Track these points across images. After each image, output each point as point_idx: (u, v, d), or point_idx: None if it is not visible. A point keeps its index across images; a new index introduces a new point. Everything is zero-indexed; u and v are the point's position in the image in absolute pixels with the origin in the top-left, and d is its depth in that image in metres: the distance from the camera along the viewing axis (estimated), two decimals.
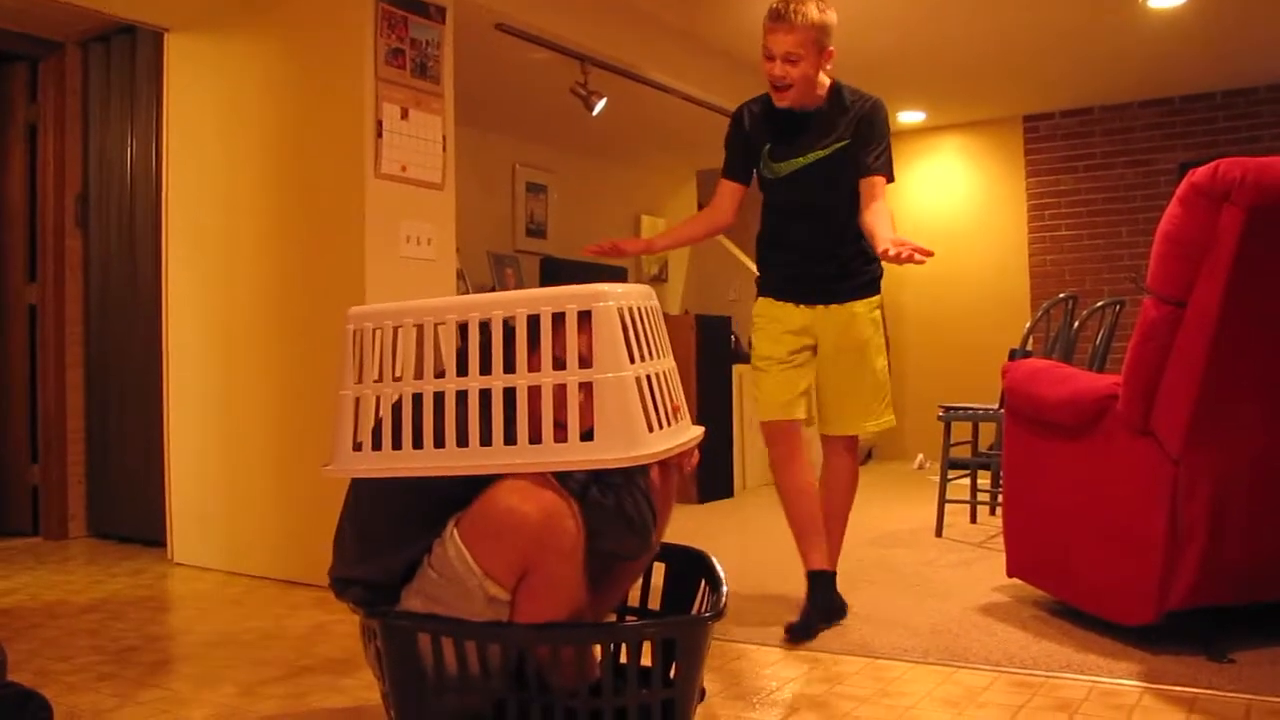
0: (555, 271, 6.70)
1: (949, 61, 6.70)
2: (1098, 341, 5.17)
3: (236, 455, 4.37)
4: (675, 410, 2.13)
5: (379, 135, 3.96)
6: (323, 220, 4.09)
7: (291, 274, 4.19)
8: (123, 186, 5.11)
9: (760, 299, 3.44)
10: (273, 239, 4.27)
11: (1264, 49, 6.55)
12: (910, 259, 2.77)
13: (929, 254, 2.77)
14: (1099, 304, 5.24)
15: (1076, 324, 5.11)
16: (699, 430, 2.25)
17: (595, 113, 5.30)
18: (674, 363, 2.20)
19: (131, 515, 5.02)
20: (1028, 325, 5.25)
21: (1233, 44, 6.42)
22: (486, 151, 6.62)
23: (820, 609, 3.23)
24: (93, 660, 3.02)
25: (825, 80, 3.28)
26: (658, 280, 8.23)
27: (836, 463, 3.43)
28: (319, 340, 4.06)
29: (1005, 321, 7.73)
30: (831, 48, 3.20)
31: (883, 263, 3.15)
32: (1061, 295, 5.17)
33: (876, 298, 3.36)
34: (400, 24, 4.04)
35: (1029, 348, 4.97)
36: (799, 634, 3.10)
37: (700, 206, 8.85)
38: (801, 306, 3.34)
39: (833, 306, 3.30)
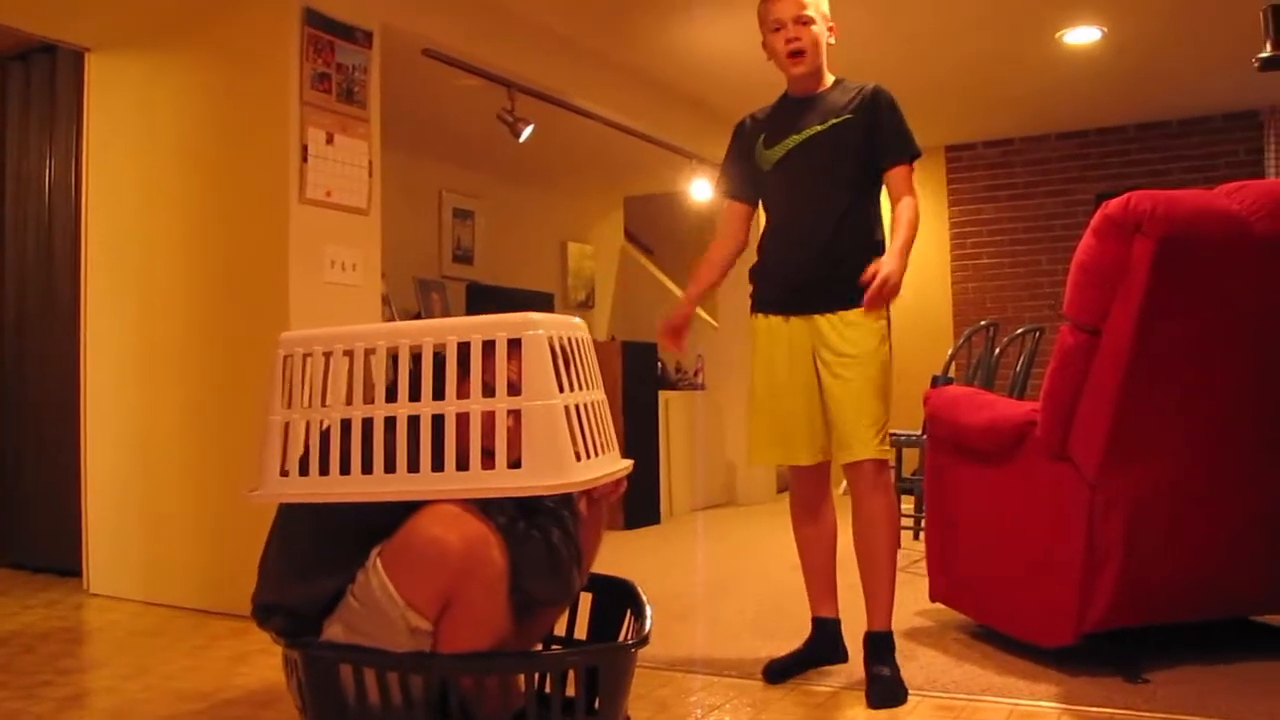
0: (482, 297, 6.69)
1: None
2: (1018, 368, 5.26)
3: (155, 482, 4.29)
4: (604, 442, 2.13)
5: (304, 160, 3.93)
6: (246, 244, 4.04)
7: (215, 298, 4.14)
8: (40, 207, 5.01)
9: (753, 316, 3.13)
10: (195, 263, 4.21)
11: (1174, 85, 6.74)
12: (873, 304, 2.77)
13: (878, 305, 2.79)
14: (1019, 331, 5.34)
15: (997, 351, 5.20)
16: (627, 463, 2.25)
17: (522, 139, 5.30)
18: (604, 395, 2.20)
19: (45, 544, 4.89)
20: (950, 352, 5.34)
21: (1145, 80, 6.60)
22: (413, 177, 6.59)
23: (805, 657, 3.08)
24: (1, 696, 2.93)
25: (828, 73, 3.08)
26: (584, 306, 8.24)
27: (858, 498, 2.96)
28: (242, 365, 4.01)
29: (928, 348, 7.84)
30: (832, 22, 3.05)
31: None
32: (983, 322, 5.26)
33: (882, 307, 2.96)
34: (326, 48, 4.02)
35: (951, 374, 5.05)
36: (773, 674, 3.01)
37: (626, 233, 8.91)
38: (795, 319, 3.00)
39: (831, 316, 2.94)
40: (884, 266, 2.79)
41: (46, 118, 5.00)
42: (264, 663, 3.24)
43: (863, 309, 2.85)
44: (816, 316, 2.97)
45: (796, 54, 2.98)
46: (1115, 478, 2.81)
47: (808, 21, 2.96)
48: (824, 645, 3.12)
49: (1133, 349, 2.70)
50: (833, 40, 3.05)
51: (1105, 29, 5.66)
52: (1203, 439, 2.88)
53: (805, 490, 3.12)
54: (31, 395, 5.01)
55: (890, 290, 2.78)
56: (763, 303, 3.11)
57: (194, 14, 4.21)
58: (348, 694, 2.00)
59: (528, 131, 5.30)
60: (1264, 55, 3.78)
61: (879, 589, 2.93)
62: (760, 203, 3.20)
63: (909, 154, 3.00)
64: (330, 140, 4.01)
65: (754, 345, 3.12)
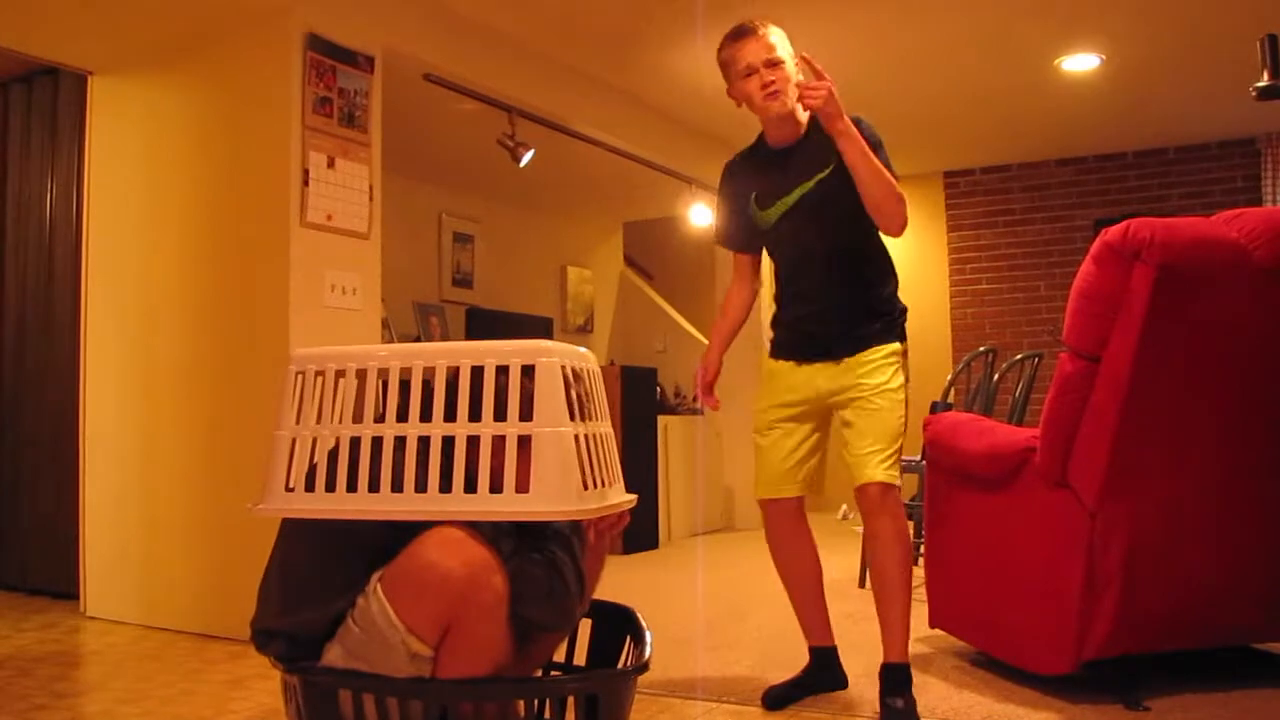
0: (481, 322, 6.69)
1: (872, 117, 6.83)
2: (1017, 394, 5.26)
3: (154, 505, 4.29)
4: (609, 475, 2.12)
5: (305, 184, 3.94)
6: (247, 268, 4.05)
7: (214, 321, 4.14)
8: (41, 229, 5.02)
9: (770, 359, 3.19)
10: (196, 286, 4.21)
11: (1172, 112, 6.78)
12: (810, 96, 2.73)
13: (815, 86, 2.73)
14: (1018, 357, 5.34)
15: (996, 377, 5.20)
16: (631, 497, 2.24)
17: (523, 164, 5.31)
18: (611, 429, 2.19)
19: (42, 566, 4.88)
20: (949, 378, 5.34)
21: (1143, 107, 6.64)
22: (413, 201, 6.61)
23: (804, 684, 3.08)
24: None
25: (802, 114, 3.00)
26: (583, 331, 8.25)
27: (871, 528, 2.94)
28: (242, 388, 4.01)
29: (927, 374, 7.82)
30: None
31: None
32: (982, 348, 5.26)
33: (896, 345, 3.01)
34: (329, 73, 4.04)
35: (950, 400, 5.05)
36: (772, 700, 2.99)
37: (626, 258, 8.91)
38: (804, 366, 3.05)
39: (845, 360, 2.98)
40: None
41: (48, 140, 5.02)
42: (262, 687, 3.23)
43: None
44: (833, 363, 3.00)
45: (772, 95, 2.91)
46: (1115, 505, 2.81)
47: (778, 63, 2.90)
48: (823, 672, 3.12)
49: (1132, 376, 2.70)
50: (801, 78, 2.94)
51: (1104, 56, 5.70)
52: (1203, 466, 2.88)
53: (782, 525, 3.13)
54: (30, 417, 5.01)
55: (819, 92, 2.73)
56: (779, 348, 3.15)
57: (196, 38, 4.23)
58: None
59: (528, 156, 5.31)
60: (1261, 85, 3.81)
61: (893, 619, 2.89)
62: (769, 255, 3.20)
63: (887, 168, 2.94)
64: (331, 164, 4.03)
65: (763, 386, 3.17)
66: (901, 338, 3.05)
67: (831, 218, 2.97)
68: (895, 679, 2.85)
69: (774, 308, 3.19)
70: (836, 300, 3.00)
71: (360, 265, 4.16)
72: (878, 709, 2.81)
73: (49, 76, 4.99)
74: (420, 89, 4.84)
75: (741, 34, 2.95)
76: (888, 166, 2.91)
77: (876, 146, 2.91)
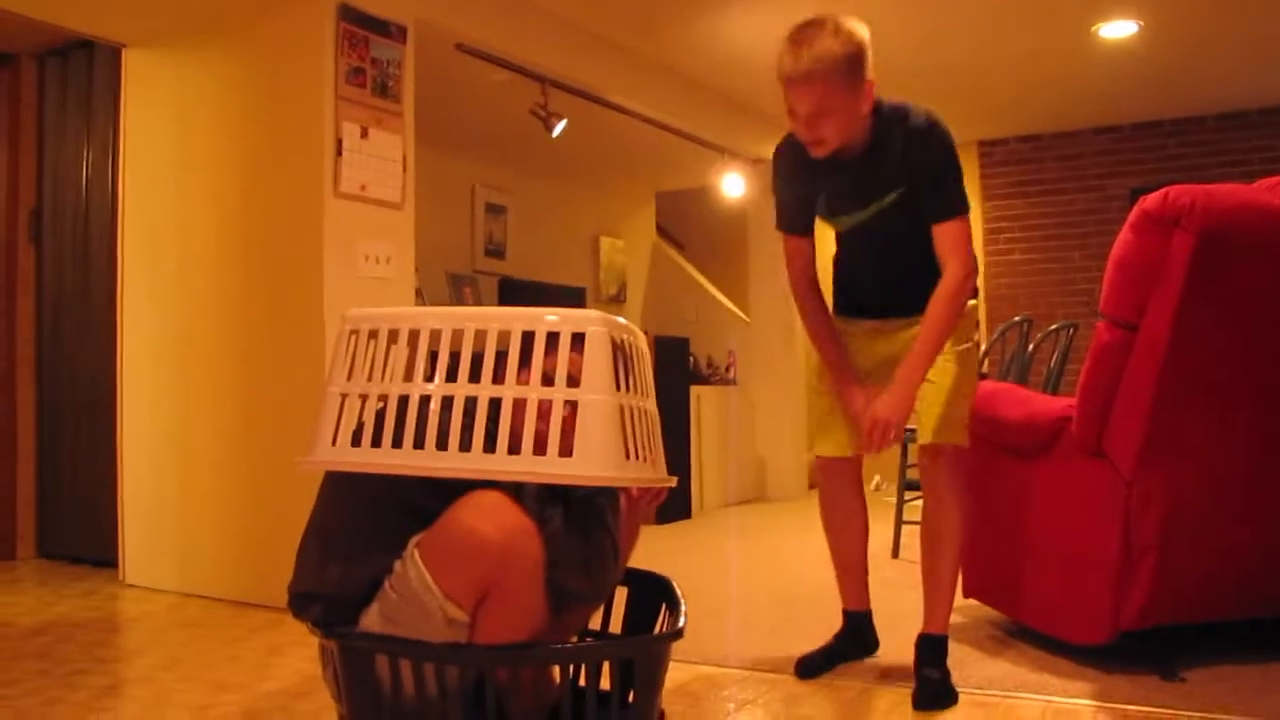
0: (513, 292, 6.71)
1: (904, 87, 6.74)
2: (1052, 364, 5.23)
3: (192, 474, 4.33)
4: (652, 452, 2.11)
5: (339, 154, 3.95)
6: (281, 238, 4.07)
7: (249, 292, 4.17)
8: (78, 202, 5.07)
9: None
10: (230, 257, 4.24)
11: (1211, 80, 6.68)
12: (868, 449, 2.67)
13: (871, 450, 2.67)
14: (1053, 327, 5.30)
15: (1031, 347, 5.16)
16: (672, 478, 2.23)
17: (555, 134, 5.31)
18: (655, 409, 2.18)
19: (83, 535, 4.95)
20: (984, 348, 5.31)
21: (1181, 74, 6.54)
22: (446, 171, 6.61)
23: (837, 651, 3.06)
24: (40, 684, 2.97)
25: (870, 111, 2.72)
26: (616, 301, 8.25)
27: (930, 491, 2.85)
28: (277, 358, 4.04)
29: None
30: (870, 76, 2.61)
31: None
32: (1017, 318, 5.23)
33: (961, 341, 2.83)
34: (361, 43, 4.04)
35: (985, 370, 5.02)
36: (805, 669, 2.98)
37: (658, 228, 8.90)
38: (872, 324, 2.95)
39: (906, 319, 2.85)
40: (878, 407, 2.66)
41: (84, 113, 5.05)
42: (299, 654, 3.27)
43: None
44: (897, 321, 2.90)
45: (816, 145, 2.67)
46: (1151, 474, 2.79)
47: (824, 114, 2.59)
48: (855, 637, 3.12)
49: (1170, 345, 2.68)
50: (869, 105, 2.66)
51: (1142, 22, 5.61)
52: (1240, 436, 2.86)
53: (835, 484, 3.06)
54: (68, 388, 5.07)
55: (885, 435, 2.63)
56: (841, 308, 3.04)
57: (230, 9, 4.23)
58: (383, 684, 2.00)
59: (560, 126, 5.30)
60: None
61: (939, 589, 2.84)
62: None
63: (953, 211, 2.72)
64: (365, 135, 4.03)
65: None
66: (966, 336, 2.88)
67: (898, 231, 2.80)
68: (934, 650, 2.83)
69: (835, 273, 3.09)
70: (898, 287, 2.87)
71: (393, 235, 4.17)
72: (912, 679, 2.81)
73: (84, 50, 5.02)
74: (452, 59, 4.84)
75: (787, 77, 2.59)
76: (952, 189, 2.73)
77: (941, 164, 2.71)
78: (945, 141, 2.73)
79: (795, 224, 2.96)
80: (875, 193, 2.79)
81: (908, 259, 2.82)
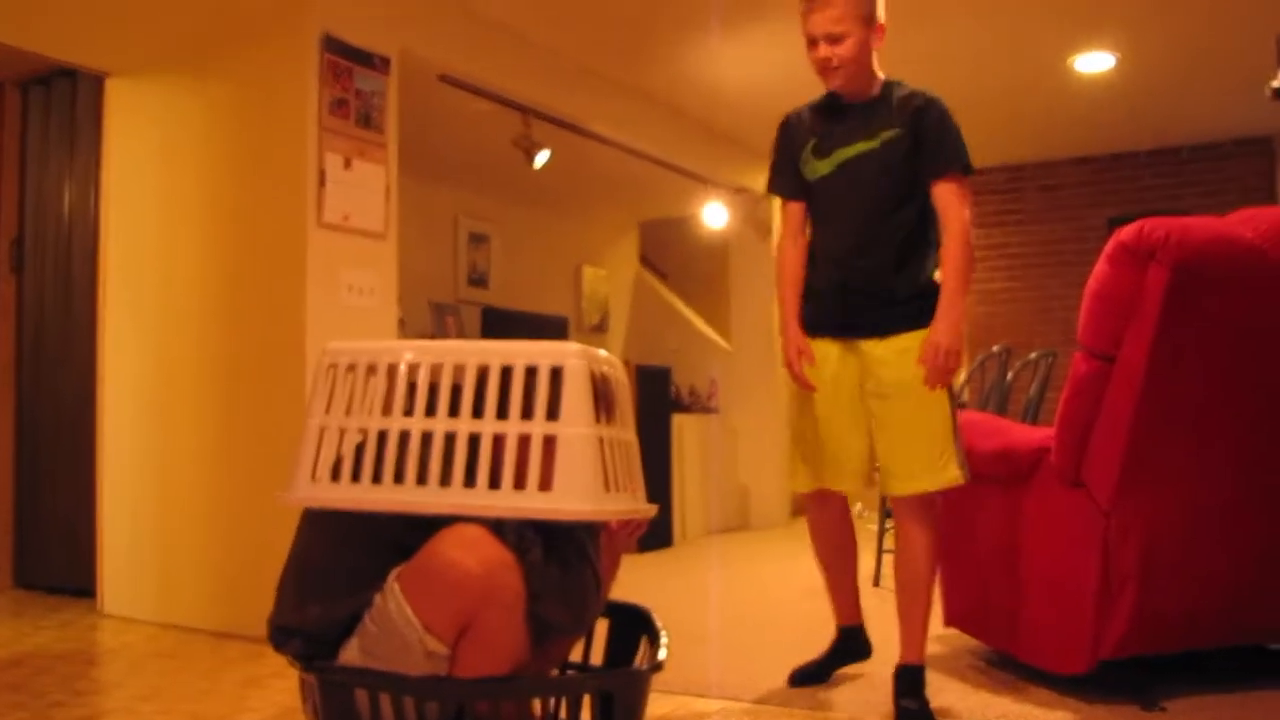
0: (496, 321, 6.71)
1: None
2: (1031, 393, 5.25)
3: (172, 504, 4.31)
4: (631, 483, 2.12)
5: (321, 184, 3.96)
6: (264, 268, 4.07)
7: (231, 321, 4.16)
8: (59, 230, 5.06)
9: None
10: (212, 286, 4.24)
11: (1186, 111, 6.76)
12: (935, 381, 2.75)
13: (941, 381, 2.77)
14: (1032, 356, 5.32)
15: (1011, 376, 5.19)
16: (652, 507, 2.24)
17: (538, 164, 5.33)
18: (635, 439, 2.19)
19: (61, 565, 4.91)
20: (963, 377, 5.33)
21: (1157, 106, 6.62)
22: (430, 201, 6.63)
23: (831, 661, 3.18)
24: (17, 718, 2.94)
25: (879, 73, 2.95)
26: (598, 330, 8.26)
27: (900, 532, 2.95)
28: (258, 388, 4.03)
29: None
30: (882, 20, 2.86)
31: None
32: (995, 348, 5.25)
33: (926, 331, 2.85)
34: (345, 74, 4.05)
35: (965, 399, 5.04)
36: (800, 679, 3.11)
37: (641, 257, 8.92)
38: (839, 342, 2.96)
39: (877, 340, 2.89)
40: (935, 337, 2.77)
41: (67, 141, 5.05)
42: (279, 686, 3.25)
43: (924, 376, 2.81)
44: (864, 342, 2.93)
45: (827, 72, 2.88)
46: (1130, 504, 2.80)
47: (839, 38, 2.80)
48: (849, 646, 3.20)
49: (1147, 376, 2.70)
50: (880, 45, 2.90)
51: (1118, 55, 5.69)
52: (1218, 465, 2.88)
53: (825, 514, 3.11)
54: (47, 418, 5.04)
55: (949, 362, 2.76)
56: (811, 325, 3.02)
57: (213, 39, 4.25)
58: (364, 718, 2.00)
59: (543, 156, 5.33)
60: (1276, 85, 3.79)
61: (912, 622, 2.89)
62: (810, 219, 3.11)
63: (956, 164, 2.87)
64: (348, 165, 4.05)
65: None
66: None
67: (885, 179, 2.89)
68: (910, 680, 2.85)
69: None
70: (868, 267, 2.91)
71: (377, 265, 4.18)
72: (891, 710, 2.82)
73: (67, 78, 5.02)
74: (436, 90, 4.86)
75: (811, 3, 2.83)
76: (954, 144, 2.89)
77: (942, 120, 2.89)
78: (945, 108, 2.91)
79: (786, 185, 3.09)
80: (873, 129, 2.89)
81: (879, 226, 2.90)
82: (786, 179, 3.09)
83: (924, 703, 2.80)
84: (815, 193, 3.03)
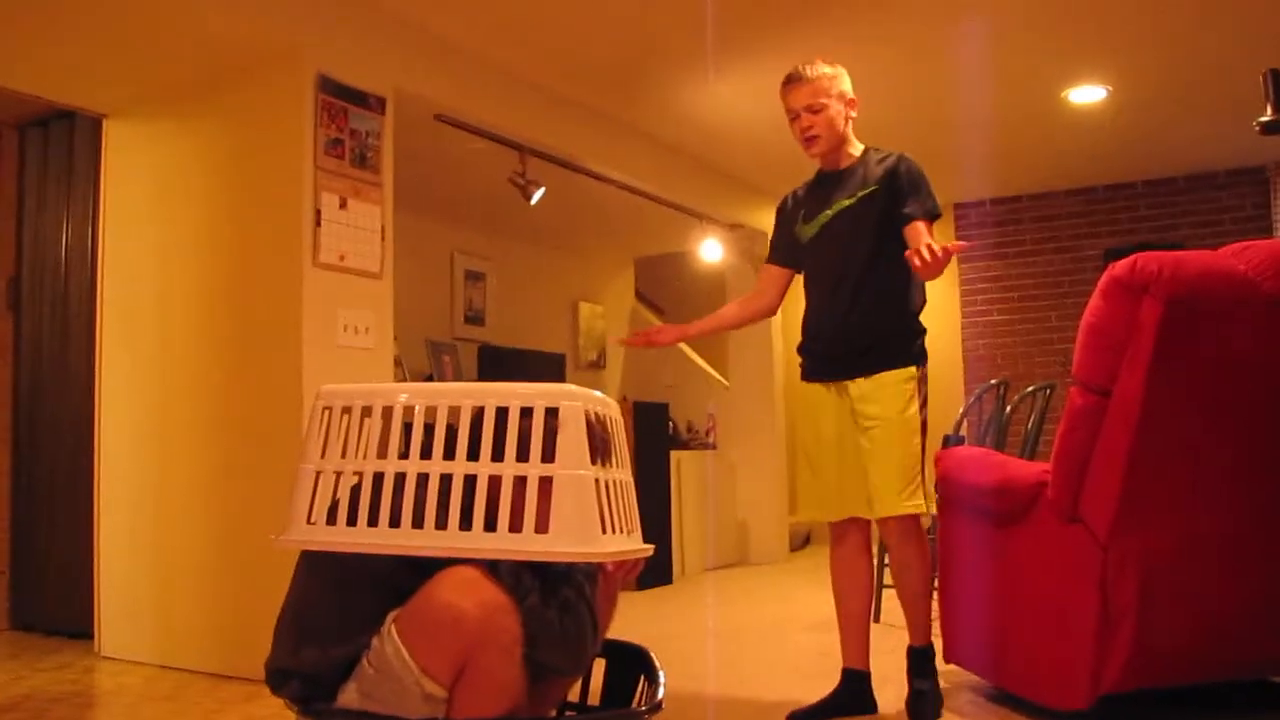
0: (493, 359, 6.71)
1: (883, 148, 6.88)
2: (1029, 426, 5.24)
3: (169, 545, 4.30)
4: (628, 523, 2.12)
5: (317, 224, 3.97)
6: (260, 308, 4.08)
7: (228, 362, 4.17)
8: (57, 270, 5.07)
9: (802, 383, 3.38)
10: (209, 326, 4.24)
11: (1179, 142, 6.80)
12: (940, 258, 2.79)
13: (957, 249, 2.82)
14: (1030, 389, 5.32)
15: (1009, 409, 5.18)
16: (648, 547, 2.24)
17: (533, 202, 5.35)
18: (631, 479, 2.20)
19: (58, 607, 4.89)
20: (961, 410, 5.33)
21: (1150, 137, 6.66)
22: (425, 239, 6.64)
23: (831, 706, 3.19)
24: None
25: (857, 143, 3.30)
26: (595, 367, 8.26)
27: (892, 556, 3.23)
28: (255, 428, 4.03)
29: (939, 407, 7.77)
30: (852, 95, 3.24)
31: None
32: (993, 381, 5.26)
33: (911, 369, 3.17)
34: (340, 114, 4.08)
35: (962, 433, 5.03)
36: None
37: (637, 293, 8.94)
38: (832, 386, 3.24)
39: (861, 380, 3.16)
40: (922, 241, 2.92)
41: (64, 182, 5.07)
42: None
43: (893, 369, 3.12)
44: (849, 382, 3.18)
45: (809, 140, 3.21)
46: (1128, 539, 2.80)
47: (819, 109, 3.16)
48: (852, 695, 3.21)
49: (1143, 410, 2.70)
50: (854, 115, 3.25)
51: (1110, 88, 5.73)
52: (1216, 498, 2.87)
53: (843, 544, 3.29)
54: (45, 458, 5.03)
55: (939, 253, 2.81)
56: (807, 372, 3.34)
57: (209, 81, 4.27)
58: None
59: (539, 194, 5.34)
60: (1265, 119, 3.81)
61: (916, 611, 3.19)
62: (802, 276, 3.39)
63: (925, 212, 3.12)
64: (343, 205, 4.06)
65: (802, 409, 3.37)
66: (919, 360, 3.22)
67: (863, 231, 3.17)
68: (921, 660, 3.16)
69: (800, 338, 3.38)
70: (855, 314, 3.18)
71: (373, 304, 4.19)
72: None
73: (65, 120, 5.05)
74: (431, 129, 4.89)
75: (788, 81, 3.20)
76: (925, 195, 3.15)
77: (918, 185, 3.15)
78: (916, 163, 3.21)
79: (775, 253, 3.46)
80: (852, 189, 3.21)
81: (861, 274, 3.16)
82: (777, 250, 3.46)
83: (934, 684, 3.14)
84: (806, 256, 3.35)
